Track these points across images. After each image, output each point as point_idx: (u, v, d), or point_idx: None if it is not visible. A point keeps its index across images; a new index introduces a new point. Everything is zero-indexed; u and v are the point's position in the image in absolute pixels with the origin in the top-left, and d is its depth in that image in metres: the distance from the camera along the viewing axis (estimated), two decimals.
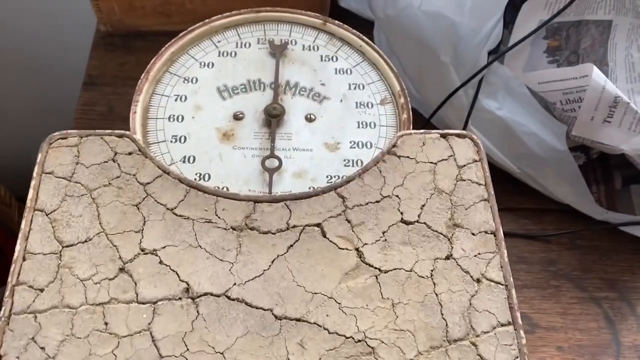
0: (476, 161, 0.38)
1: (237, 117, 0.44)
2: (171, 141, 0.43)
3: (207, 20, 0.49)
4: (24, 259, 0.33)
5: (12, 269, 0.33)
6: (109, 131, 0.38)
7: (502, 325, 0.33)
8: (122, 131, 0.38)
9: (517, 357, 0.32)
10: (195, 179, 0.40)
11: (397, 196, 0.37)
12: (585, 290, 0.64)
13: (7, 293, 0.32)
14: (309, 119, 0.45)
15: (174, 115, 0.44)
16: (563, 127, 0.54)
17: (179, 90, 0.45)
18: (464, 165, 0.38)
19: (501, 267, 0.35)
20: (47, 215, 0.35)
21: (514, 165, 0.58)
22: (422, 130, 0.40)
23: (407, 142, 0.39)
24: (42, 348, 0.31)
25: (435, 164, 0.38)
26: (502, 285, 0.34)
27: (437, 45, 0.54)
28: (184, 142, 0.43)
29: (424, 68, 0.57)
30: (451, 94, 0.56)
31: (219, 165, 0.42)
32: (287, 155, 0.43)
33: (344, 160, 0.43)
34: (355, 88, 0.47)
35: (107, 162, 0.37)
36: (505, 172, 0.59)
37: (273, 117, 0.44)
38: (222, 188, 0.40)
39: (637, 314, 0.66)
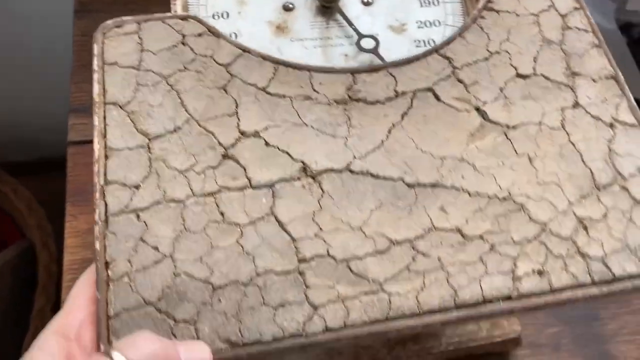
0: (577, 9, 0.35)
1: (287, 7, 0.40)
2: None
3: None
4: (106, 157, 0.28)
5: (95, 170, 0.28)
6: (170, 14, 0.33)
7: None
8: (185, 13, 0.33)
9: None
10: None
11: (506, 51, 0.33)
12: None
13: (96, 195, 0.27)
14: (366, 2, 0.41)
15: (218, 13, 0.39)
16: (611, 6, 0.52)
17: None
18: (567, 14, 0.35)
19: (631, 109, 0.32)
20: (121, 108, 0.29)
21: None
22: None
23: None
24: (155, 248, 0.26)
25: (537, 15, 0.34)
26: (636, 126, 0.31)
27: None
28: (236, 39, 0.38)
29: None
30: None
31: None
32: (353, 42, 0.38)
33: (415, 41, 0.39)
34: None
35: (176, 46, 0.32)
36: None
37: (330, 2, 0.39)
38: None
39: None
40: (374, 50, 0.36)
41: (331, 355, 0.46)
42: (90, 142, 0.55)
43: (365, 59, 0.37)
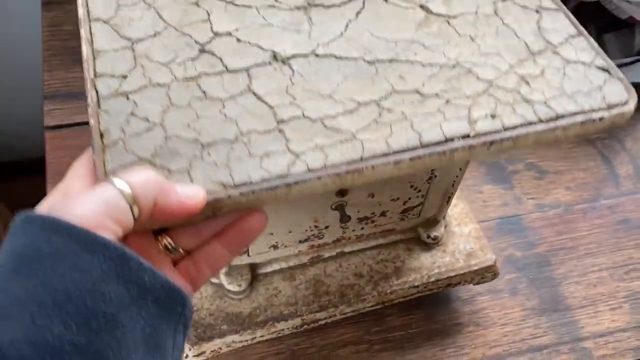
0: None
1: None
2: None
3: None
4: (94, 58, 0.31)
5: (84, 67, 0.31)
6: None
7: (572, 36, 0.35)
8: None
9: (596, 54, 0.34)
10: None
11: None
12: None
13: (87, 86, 0.30)
14: None
15: None
16: None
17: None
18: None
19: None
20: (105, 22, 0.33)
21: None
22: None
23: None
24: (145, 119, 0.29)
25: None
26: (559, 10, 0.36)
27: None
28: None
29: None
30: None
31: None
32: None
33: None
34: None
35: None
36: None
37: None
38: None
39: (627, 149, 0.71)
40: None
41: (318, 294, 0.47)
42: (66, 125, 0.57)
43: None
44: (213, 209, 0.27)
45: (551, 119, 0.31)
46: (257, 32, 0.33)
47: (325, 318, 0.47)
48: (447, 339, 0.54)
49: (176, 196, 0.25)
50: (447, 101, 0.31)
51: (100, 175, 0.27)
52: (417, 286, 0.49)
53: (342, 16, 0.35)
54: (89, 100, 0.29)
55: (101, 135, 0.28)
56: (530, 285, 0.58)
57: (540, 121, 0.31)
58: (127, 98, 0.29)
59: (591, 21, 0.68)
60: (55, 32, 0.62)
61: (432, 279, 0.49)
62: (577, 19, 0.66)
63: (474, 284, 0.52)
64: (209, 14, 0.34)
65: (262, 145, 0.28)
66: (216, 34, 0.33)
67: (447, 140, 0.30)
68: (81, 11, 0.33)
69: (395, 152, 0.29)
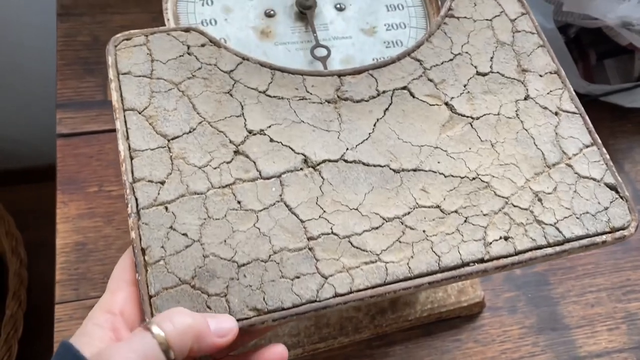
0: (524, 14, 0.41)
1: (269, 14, 0.44)
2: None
3: None
4: (131, 158, 0.32)
5: (123, 169, 0.32)
6: (174, 26, 0.37)
7: (587, 146, 0.37)
8: (187, 25, 0.37)
9: (607, 169, 0.36)
10: None
11: (467, 53, 0.39)
12: None
13: (127, 192, 0.31)
14: (339, 8, 0.45)
15: (206, 20, 0.43)
16: (549, 7, 0.58)
17: None
18: (515, 19, 0.41)
19: (571, 99, 0.38)
20: (140, 113, 0.33)
21: None
22: None
23: (461, 4, 0.41)
24: (184, 234, 0.30)
25: (491, 20, 0.40)
26: (577, 114, 0.38)
27: None
28: (226, 44, 0.42)
29: None
30: None
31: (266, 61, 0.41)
32: (329, 45, 0.43)
33: (384, 42, 0.44)
34: None
35: (182, 55, 0.35)
36: None
37: (306, 9, 0.44)
38: None
39: (625, 172, 0.74)
40: (323, 59, 0.41)
41: (319, 326, 0.51)
42: (78, 134, 0.58)
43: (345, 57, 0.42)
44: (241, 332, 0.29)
45: (558, 243, 0.33)
46: (288, 131, 0.34)
47: (324, 347, 0.51)
48: (447, 354, 0.58)
49: (210, 339, 0.27)
50: (466, 220, 0.33)
51: (144, 295, 0.29)
52: (411, 320, 0.53)
53: (370, 114, 0.36)
54: (129, 209, 0.30)
55: (143, 252, 0.30)
56: (529, 303, 0.62)
57: (549, 245, 0.33)
58: (167, 209, 0.31)
59: (592, 47, 0.69)
60: (70, 42, 0.61)
61: (425, 314, 0.53)
62: (579, 44, 0.67)
63: (460, 316, 0.56)
64: (242, 106, 0.35)
65: (293, 266, 0.30)
66: (250, 132, 0.34)
67: (464, 264, 0.32)
68: (115, 96, 0.34)
69: (415, 277, 0.31)
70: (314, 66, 0.41)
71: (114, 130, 0.34)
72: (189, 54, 0.36)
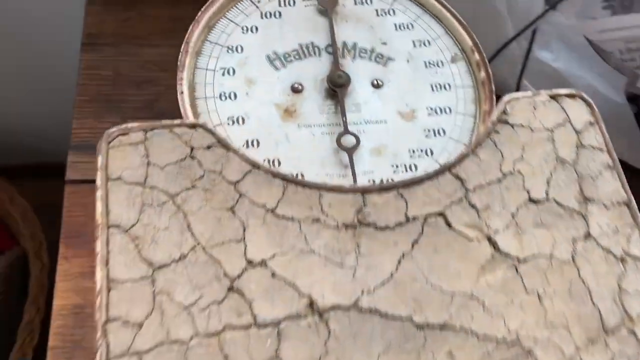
0: (592, 124, 0.34)
1: (296, 89, 0.39)
2: (229, 124, 0.37)
3: None
4: (109, 290, 0.27)
5: (97, 302, 0.27)
6: (178, 121, 0.32)
7: None
8: (194, 121, 0.32)
9: None
10: None
11: (519, 172, 0.32)
12: None
13: (98, 334, 0.27)
14: (376, 85, 0.40)
15: (225, 93, 0.38)
16: (622, 79, 0.51)
17: (225, 61, 0.39)
18: (582, 130, 0.34)
19: None
20: (126, 231, 0.29)
21: None
22: (529, 92, 0.35)
23: (517, 108, 0.34)
24: None
25: (552, 130, 0.34)
26: None
27: None
28: (244, 123, 0.37)
29: (477, 19, 0.52)
30: (505, 45, 0.51)
31: (287, 148, 0.36)
32: (360, 130, 0.38)
33: (424, 130, 0.38)
34: (420, 45, 0.42)
35: (184, 159, 0.31)
36: None
37: (338, 87, 0.38)
38: (296, 174, 0.35)
39: None
40: (351, 150, 0.35)
41: None
42: (90, 181, 0.54)
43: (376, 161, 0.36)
44: None
45: None
46: (295, 263, 0.29)
47: None
48: None
49: None
50: None
51: None
52: None
53: (395, 246, 0.30)
54: (98, 356, 0.26)
55: None
56: None
57: None
58: None
59: None
60: (92, 76, 0.57)
61: None
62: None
63: None
64: (244, 228, 0.30)
65: None
66: (250, 263, 0.29)
67: None
68: (99, 208, 0.29)
69: None
70: (339, 157, 0.36)
71: None
72: (191, 157, 0.31)
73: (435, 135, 0.38)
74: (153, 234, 0.29)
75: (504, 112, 0.34)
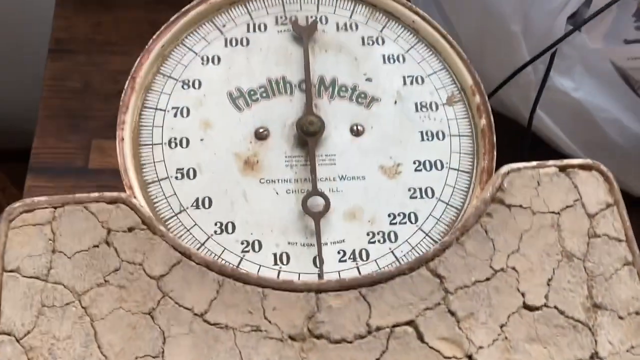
0: (610, 205, 0.28)
1: (260, 135, 0.33)
2: (176, 177, 0.31)
3: None
4: None
5: None
6: (95, 195, 0.26)
7: None
8: (115, 193, 0.26)
9: None
10: (214, 232, 0.29)
11: (513, 268, 0.26)
12: None
13: None
14: (356, 131, 0.34)
15: (175, 139, 0.32)
16: None
17: (178, 99, 0.33)
18: (596, 213, 0.28)
19: None
20: (18, 341, 0.23)
21: (586, 156, 0.48)
22: (533, 163, 0.29)
23: (517, 183, 0.28)
24: None
25: (558, 214, 0.27)
26: None
27: (506, 11, 0.42)
28: (194, 177, 0.31)
29: (486, 40, 0.45)
30: (519, 70, 0.44)
31: (244, 209, 0.31)
32: (332, 188, 0.32)
33: (409, 189, 0.32)
34: (412, 82, 0.35)
35: (97, 246, 0.25)
36: None
37: (310, 135, 0.32)
38: (252, 242, 0.30)
39: None
40: (317, 215, 0.30)
41: None
42: None
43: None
44: None
45: None
46: None
47: None
48: None
49: None
50: None
51: None
52: None
53: None
54: None
55: None
56: None
57: None
58: None
59: None
60: (58, 87, 0.52)
61: None
62: None
63: None
64: (164, 338, 0.24)
65: None
66: None
67: None
68: None
69: None
70: (304, 221, 0.30)
71: None
72: (107, 243, 0.25)
73: (421, 196, 0.32)
74: (50, 346, 0.23)
75: (500, 188, 0.28)
